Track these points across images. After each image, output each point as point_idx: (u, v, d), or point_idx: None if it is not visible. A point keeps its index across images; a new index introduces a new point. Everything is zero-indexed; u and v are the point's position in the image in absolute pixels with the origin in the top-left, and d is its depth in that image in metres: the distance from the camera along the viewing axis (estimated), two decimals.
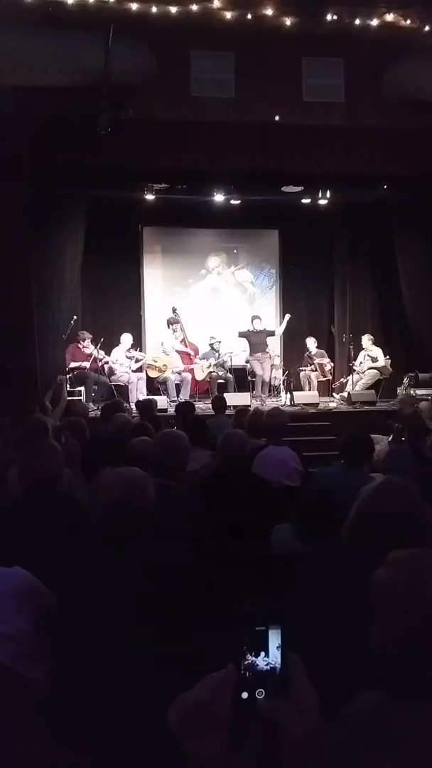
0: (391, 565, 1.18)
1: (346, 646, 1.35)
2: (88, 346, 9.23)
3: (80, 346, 9.20)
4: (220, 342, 10.02)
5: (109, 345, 9.65)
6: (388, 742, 1.07)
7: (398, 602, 1.12)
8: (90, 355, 9.18)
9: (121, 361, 9.43)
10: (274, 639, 0.75)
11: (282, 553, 2.56)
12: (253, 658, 0.74)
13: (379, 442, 5.21)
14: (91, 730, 1.62)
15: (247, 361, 9.85)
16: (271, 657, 0.74)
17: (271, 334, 9.93)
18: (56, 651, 1.82)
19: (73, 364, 9.10)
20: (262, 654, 0.74)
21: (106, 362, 9.38)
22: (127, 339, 9.61)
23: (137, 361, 9.53)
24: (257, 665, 0.74)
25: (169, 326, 9.94)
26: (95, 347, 9.27)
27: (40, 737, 1.62)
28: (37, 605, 1.89)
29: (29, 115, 7.16)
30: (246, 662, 0.74)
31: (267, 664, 0.74)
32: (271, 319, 10.87)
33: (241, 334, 9.78)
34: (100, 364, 9.31)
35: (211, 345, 10.03)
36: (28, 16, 6.55)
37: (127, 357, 9.48)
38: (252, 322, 9.91)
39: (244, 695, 0.72)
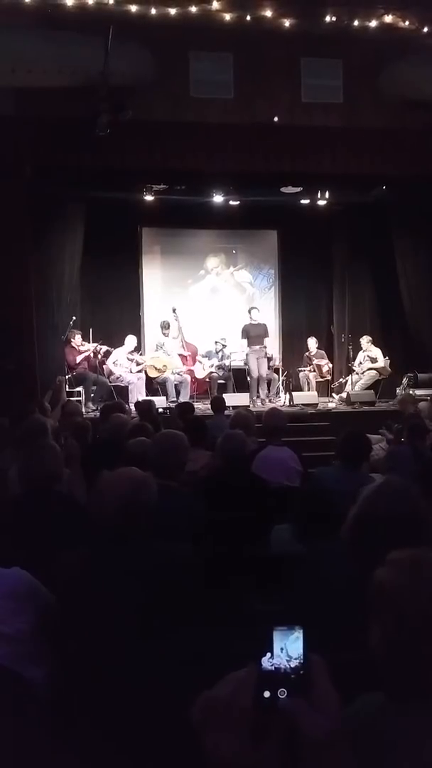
0: (390, 566, 1.18)
1: (345, 647, 1.36)
2: (82, 343, 9.23)
3: (74, 345, 9.20)
4: (225, 346, 10.00)
5: (108, 346, 9.63)
6: (388, 743, 1.07)
7: (398, 603, 1.12)
8: (86, 351, 9.17)
9: (121, 362, 9.42)
10: (282, 639, 0.75)
11: (281, 554, 2.56)
12: (275, 658, 0.75)
13: (378, 441, 5.22)
14: (92, 731, 1.62)
15: (246, 355, 9.74)
16: (276, 657, 0.75)
17: (266, 333, 9.87)
18: (56, 652, 1.82)
19: (79, 358, 9.08)
20: (277, 653, 0.75)
21: (106, 354, 9.33)
22: (131, 341, 9.54)
23: (138, 364, 9.52)
24: (279, 664, 0.74)
25: (162, 330, 9.92)
26: (92, 344, 9.26)
27: (40, 738, 1.62)
28: (36, 606, 1.89)
29: (29, 116, 7.18)
30: (267, 661, 0.74)
31: (286, 664, 0.74)
32: (270, 320, 10.88)
33: (243, 331, 9.71)
34: (99, 357, 9.28)
35: (219, 343, 9.97)
36: (28, 18, 6.56)
37: (128, 359, 9.46)
38: (250, 313, 9.84)
39: (266, 694, 0.73)
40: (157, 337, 10.02)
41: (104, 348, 9.34)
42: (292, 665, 0.74)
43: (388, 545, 1.25)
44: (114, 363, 9.35)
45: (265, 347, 9.71)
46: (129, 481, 2.02)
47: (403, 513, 1.70)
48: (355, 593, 1.24)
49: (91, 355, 9.22)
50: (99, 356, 9.30)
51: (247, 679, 0.73)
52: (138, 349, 9.74)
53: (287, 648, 0.75)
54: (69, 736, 1.62)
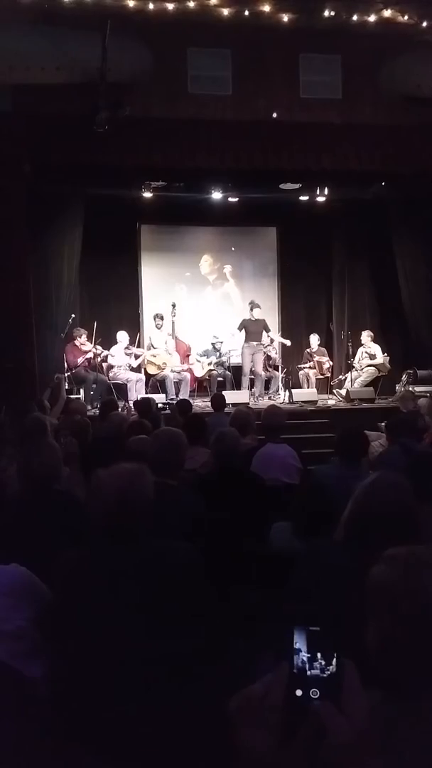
0: (386, 562, 1.18)
1: (344, 644, 1.36)
2: (85, 343, 9.23)
3: (78, 344, 9.19)
4: (222, 342, 9.98)
5: (107, 343, 9.63)
6: (385, 742, 1.07)
7: (393, 599, 1.12)
8: (88, 351, 9.18)
9: (120, 358, 9.40)
10: (301, 638, 0.76)
11: (280, 551, 2.56)
12: (307, 658, 0.75)
13: (377, 438, 5.22)
14: (90, 728, 1.62)
15: (242, 349, 9.64)
16: (301, 657, 0.75)
17: (267, 328, 9.85)
18: (56, 649, 1.83)
19: (79, 360, 9.09)
20: (300, 653, 0.75)
21: (105, 357, 9.35)
22: (123, 336, 9.55)
23: (136, 357, 9.51)
24: (311, 665, 0.75)
25: (154, 320, 9.91)
26: (92, 344, 9.26)
27: (39, 735, 1.62)
28: (35, 602, 1.90)
29: (27, 113, 7.16)
30: (299, 661, 0.75)
31: (313, 664, 0.75)
32: (270, 317, 10.82)
33: (241, 324, 9.66)
34: (99, 360, 9.29)
35: (213, 345, 9.99)
36: (25, 14, 6.54)
37: (126, 354, 9.45)
38: (251, 310, 9.75)
39: (298, 693, 0.74)
40: (150, 331, 10.01)
41: (103, 353, 9.32)
42: (319, 665, 0.75)
43: (383, 541, 1.24)
44: (113, 356, 9.35)
45: (262, 345, 9.67)
46: (123, 475, 2.01)
47: (397, 508, 1.70)
48: (353, 590, 1.24)
49: (92, 356, 9.21)
50: (99, 359, 9.29)
51: (279, 677, 0.73)
52: (132, 344, 9.71)
53: (306, 648, 0.76)
54: (68, 732, 1.62)
